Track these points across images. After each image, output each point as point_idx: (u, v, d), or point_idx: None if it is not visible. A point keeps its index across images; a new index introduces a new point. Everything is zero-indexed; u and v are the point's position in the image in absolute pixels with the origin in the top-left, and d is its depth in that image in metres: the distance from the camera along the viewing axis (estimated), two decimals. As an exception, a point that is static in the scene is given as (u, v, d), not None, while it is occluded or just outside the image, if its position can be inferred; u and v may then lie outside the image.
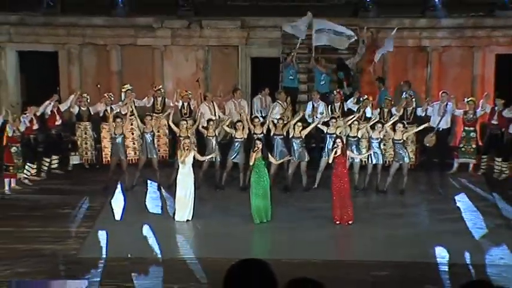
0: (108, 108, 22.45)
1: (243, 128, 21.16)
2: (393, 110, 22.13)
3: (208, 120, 21.70)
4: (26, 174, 21.87)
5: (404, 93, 23.18)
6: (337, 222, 19.33)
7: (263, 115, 22.81)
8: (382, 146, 21.32)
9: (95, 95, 23.38)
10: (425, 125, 21.93)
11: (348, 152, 20.13)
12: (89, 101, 23.01)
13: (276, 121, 21.41)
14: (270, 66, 25.06)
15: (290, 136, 21.05)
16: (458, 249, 18.14)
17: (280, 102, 22.77)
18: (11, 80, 26.47)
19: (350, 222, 19.32)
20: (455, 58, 25.99)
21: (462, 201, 20.97)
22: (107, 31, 26.25)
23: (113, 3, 26.31)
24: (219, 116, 22.34)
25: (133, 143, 22.57)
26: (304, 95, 24.44)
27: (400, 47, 25.72)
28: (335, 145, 19.55)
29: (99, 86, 23.95)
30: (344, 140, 20.23)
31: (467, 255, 17.93)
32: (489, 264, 17.55)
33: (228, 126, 21.52)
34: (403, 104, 22.39)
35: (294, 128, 21.00)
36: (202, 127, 21.62)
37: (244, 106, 23.09)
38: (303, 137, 21.06)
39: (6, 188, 21.12)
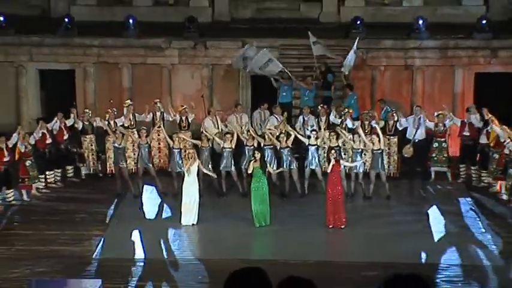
0: (112, 122, 22.42)
1: (232, 139, 21.18)
2: (372, 122, 22.06)
3: (201, 133, 21.69)
4: (42, 184, 21.82)
5: (384, 109, 23.19)
6: (330, 226, 19.30)
7: (262, 127, 22.79)
8: (363, 156, 21.27)
9: (105, 109, 23.29)
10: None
11: (342, 161, 20.15)
12: (90, 115, 22.95)
13: (271, 132, 21.41)
14: (269, 84, 25.02)
15: (278, 147, 21.04)
16: (440, 251, 18.14)
17: (276, 116, 22.77)
18: (31, 96, 26.43)
19: (342, 226, 19.30)
20: (437, 76, 25.95)
21: (442, 207, 20.87)
22: (119, 51, 26.23)
23: (125, 26, 26.29)
24: (221, 129, 22.30)
25: (134, 154, 22.48)
26: (298, 109, 24.40)
27: (387, 65, 25.79)
28: (330, 156, 19.62)
29: (111, 101, 23.92)
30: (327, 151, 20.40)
31: (449, 257, 17.91)
32: (469, 265, 17.55)
33: (217, 137, 21.55)
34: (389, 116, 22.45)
35: (279, 140, 21.01)
36: (197, 138, 21.64)
37: (245, 120, 23.09)
38: (290, 145, 21.03)
39: (25, 196, 21.09)
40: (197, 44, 26.00)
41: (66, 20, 26.45)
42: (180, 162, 21.02)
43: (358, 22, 26.31)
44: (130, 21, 26.36)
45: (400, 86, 25.97)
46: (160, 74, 26.21)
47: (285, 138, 20.96)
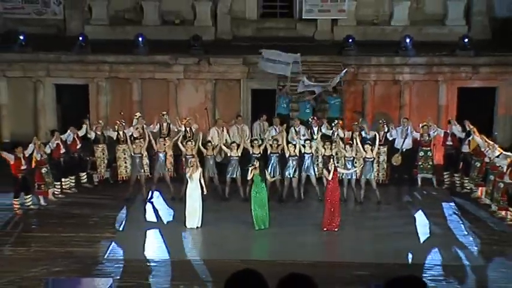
0: (121, 133, 22.40)
1: (238, 148, 21.14)
2: (363, 133, 22.06)
3: (207, 142, 21.67)
4: (58, 190, 21.80)
5: (360, 120, 23.18)
6: (325, 229, 19.27)
7: (262, 138, 22.73)
8: (356, 164, 21.25)
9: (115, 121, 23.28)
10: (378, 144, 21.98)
11: (338, 169, 20.11)
12: (103, 126, 22.95)
13: (271, 142, 21.39)
14: (268, 97, 25.04)
15: (287, 155, 21.01)
16: (426, 252, 18.11)
17: (275, 126, 22.76)
18: (48, 109, 26.43)
19: (336, 229, 19.25)
20: (423, 90, 25.95)
21: (429, 211, 20.86)
22: (130, 67, 26.23)
23: (135, 43, 26.33)
24: (226, 140, 22.26)
25: (144, 161, 22.41)
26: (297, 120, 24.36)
27: (377, 80, 25.81)
28: (329, 164, 19.56)
29: (122, 113, 23.94)
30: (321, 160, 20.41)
31: (435, 257, 17.89)
32: (451, 264, 17.53)
33: (226, 146, 21.52)
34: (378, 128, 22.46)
35: (288, 149, 21.01)
36: (203, 146, 21.61)
37: (246, 130, 23.09)
38: (297, 154, 21.02)
39: (42, 201, 21.06)
40: (201, 60, 26.02)
41: (81, 38, 26.50)
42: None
43: (350, 40, 26.37)
44: (140, 39, 26.42)
45: (389, 99, 25.97)
46: (167, 88, 26.21)
47: (293, 148, 20.96)
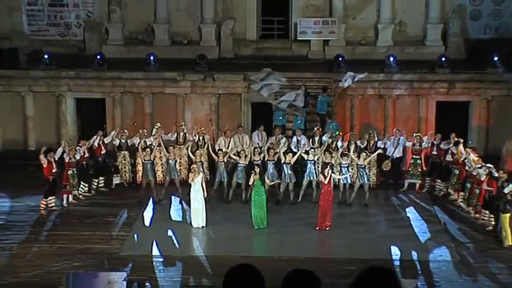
0: (142, 141, 22.45)
1: (245, 156, 21.23)
2: (358, 142, 22.14)
3: (219, 150, 21.74)
4: (80, 191, 21.85)
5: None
6: (317, 228, 19.30)
7: (260, 146, 22.76)
8: (349, 170, 21.29)
9: (131, 131, 23.32)
10: (380, 151, 22.04)
11: (333, 175, 20.13)
12: (127, 135, 23.00)
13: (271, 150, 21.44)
14: (266, 109, 25.09)
15: (282, 162, 21.07)
16: (408, 248, 18.13)
17: (275, 136, 22.76)
18: (69, 120, 26.44)
19: (327, 229, 19.29)
20: (405, 104, 25.97)
21: (411, 212, 20.90)
22: (142, 82, 26.26)
23: (147, 61, 26.37)
24: (231, 148, 22.24)
25: (162, 167, 22.49)
26: (290, 131, 24.35)
27: (364, 95, 25.84)
28: (326, 170, 19.59)
29: (135, 124, 23.98)
30: (320, 166, 20.39)
31: (414, 253, 17.94)
32: (432, 260, 17.60)
33: (233, 155, 21.57)
34: (365, 138, 22.46)
35: (285, 156, 21.06)
36: (214, 153, 21.67)
37: (246, 139, 23.10)
38: (292, 163, 21.10)
39: (64, 202, 21.05)
40: (206, 76, 26.03)
41: (98, 57, 26.55)
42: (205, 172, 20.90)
43: (340, 59, 26.40)
44: (151, 58, 26.44)
45: (375, 112, 26.00)
46: (176, 102, 26.23)
47: (290, 156, 21.00)
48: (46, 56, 26.37)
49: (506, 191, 18.38)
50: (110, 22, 29.19)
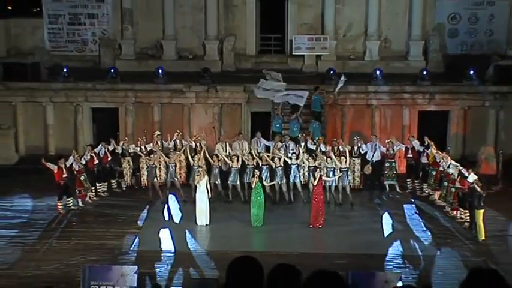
0: (143, 147, 22.44)
1: (237, 160, 21.18)
2: (340, 147, 22.06)
3: (214, 155, 21.70)
4: (93, 194, 21.87)
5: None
6: (311, 226, 19.32)
7: (259, 151, 22.73)
8: (335, 173, 21.26)
9: (148, 137, 23.33)
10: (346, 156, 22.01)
11: (323, 177, 20.16)
12: (145, 140, 22.92)
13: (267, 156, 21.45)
14: (264, 118, 25.11)
15: (273, 166, 21.04)
16: (392, 244, 18.17)
17: (274, 142, 22.70)
18: (86, 127, 26.42)
19: (320, 226, 19.32)
20: (391, 113, 25.99)
21: (394, 211, 20.91)
22: (152, 93, 26.26)
23: (156, 74, 26.37)
24: (229, 152, 22.29)
25: (160, 171, 22.39)
26: (285, 137, 24.25)
27: (353, 104, 25.85)
28: (316, 173, 19.65)
29: (145, 131, 23.96)
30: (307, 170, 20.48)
31: (399, 248, 17.95)
32: (414, 254, 17.61)
33: (228, 159, 21.54)
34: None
35: (274, 162, 21.03)
36: (210, 158, 21.66)
37: (246, 145, 23.08)
38: (279, 165, 21.07)
39: (80, 203, 21.12)
40: (210, 88, 26.03)
41: (112, 70, 26.54)
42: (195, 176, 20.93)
43: (332, 72, 26.37)
44: (160, 71, 26.41)
45: (362, 120, 25.98)
46: (182, 111, 26.22)
47: (278, 160, 21.01)
48: (65, 70, 26.36)
49: (470, 179, 18.48)
50: (122, 39, 29.21)
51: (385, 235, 18.88)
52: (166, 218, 20.19)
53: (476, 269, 4.74)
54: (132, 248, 17.88)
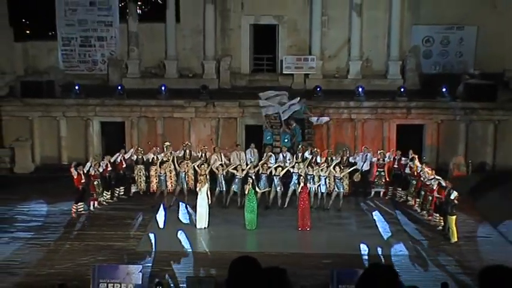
0: (155, 157, 22.46)
1: (242, 170, 21.22)
2: (333, 157, 22.14)
3: (219, 165, 21.68)
4: (104, 198, 21.88)
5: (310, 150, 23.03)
6: (300, 228, 19.35)
7: (252, 161, 22.75)
8: (327, 181, 21.35)
9: (146, 148, 23.35)
10: (356, 166, 22.17)
11: (308, 184, 20.23)
12: (142, 152, 23.02)
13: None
14: (257, 130, 25.11)
15: (272, 174, 21.07)
16: (374, 245, 18.22)
17: (265, 153, 22.77)
18: (95, 139, 26.35)
19: (308, 229, 19.34)
20: (371, 126, 26.03)
21: (376, 215, 20.97)
22: (155, 108, 26.26)
23: (159, 91, 26.38)
24: (224, 162, 22.24)
25: (171, 179, 22.40)
26: (277, 148, 24.34)
27: (337, 118, 25.88)
28: (300, 180, 19.72)
29: (149, 142, 24.01)
30: (304, 177, 20.48)
31: (379, 249, 18.02)
32: (393, 254, 17.67)
33: (232, 169, 21.55)
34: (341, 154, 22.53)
35: (276, 170, 21.12)
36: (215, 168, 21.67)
37: (243, 155, 23.09)
38: (281, 175, 21.13)
39: (91, 207, 21.10)
40: (208, 103, 26.05)
41: (119, 87, 26.55)
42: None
43: (318, 89, 26.38)
44: (163, 88, 26.41)
45: (346, 132, 26.04)
46: (183, 124, 26.21)
47: (280, 169, 21.08)
48: (77, 87, 26.37)
49: (452, 196, 18.61)
50: (129, 59, 29.24)
51: (369, 237, 18.86)
52: (170, 221, 20.14)
53: (373, 265, 4.69)
54: (137, 249, 17.84)
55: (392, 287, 4.42)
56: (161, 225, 19.86)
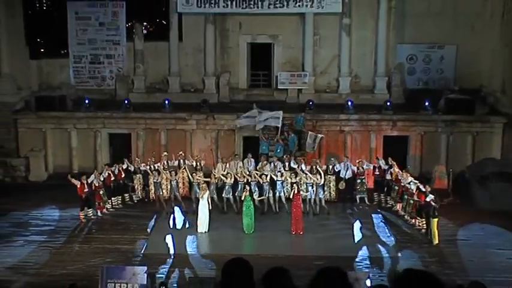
0: (152, 167, 22.43)
1: (231, 177, 21.18)
2: (318, 166, 22.12)
3: (211, 173, 21.67)
4: (110, 205, 21.88)
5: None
6: (293, 232, 19.39)
7: (249, 170, 22.77)
8: (313, 188, 21.35)
9: (149, 157, 23.43)
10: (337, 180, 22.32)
11: (301, 192, 20.22)
12: (138, 161, 23.00)
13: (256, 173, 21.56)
14: (253, 142, 25.17)
15: (261, 182, 21.11)
16: (362, 247, 18.21)
17: (261, 162, 22.82)
18: (103, 149, 26.42)
19: (301, 232, 19.37)
20: (360, 137, 26.12)
21: (363, 219, 21.01)
22: (159, 121, 26.31)
23: (163, 105, 26.44)
24: (226, 171, 22.24)
25: (167, 186, 22.38)
26: (272, 158, 24.39)
27: (328, 130, 25.93)
28: (293, 187, 19.76)
29: (154, 153, 24.06)
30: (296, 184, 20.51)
31: (367, 250, 17.99)
32: (379, 256, 17.68)
33: (223, 176, 21.58)
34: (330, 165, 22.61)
35: (262, 178, 21.15)
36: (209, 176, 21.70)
37: (240, 164, 23.10)
38: (265, 181, 21.09)
39: (99, 214, 21.13)
40: (208, 116, 26.12)
41: (126, 101, 26.62)
42: (197, 190, 20.91)
43: (311, 103, 26.48)
44: (166, 102, 26.47)
45: (336, 143, 26.11)
46: (185, 136, 26.28)
47: (265, 177, 21.12)
48: (87, 101, 26.46)
49: (428, 199, 18.71)
50: (135, 75, 29.29)
51: (356, 240, 18.94)
52: (171, 226, 20.19)
53: (323, 269, 4.65)
54: (142, 252, 17.87)
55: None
56: (165, 229, 19.85)
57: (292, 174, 21.48)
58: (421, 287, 4.16)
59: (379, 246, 18.49)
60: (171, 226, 20.13)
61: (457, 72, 28.80)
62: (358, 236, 19.36)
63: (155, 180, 21.63)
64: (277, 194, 21.24)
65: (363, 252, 17.94)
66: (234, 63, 29.64)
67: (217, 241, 18.99)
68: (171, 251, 17.99)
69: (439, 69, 29.14)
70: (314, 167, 21.91)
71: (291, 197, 19.92)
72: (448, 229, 19.77)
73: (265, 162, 22.56)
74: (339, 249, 18.03)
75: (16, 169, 25.82)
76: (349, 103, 26.28)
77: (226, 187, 21.14)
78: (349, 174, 22.60)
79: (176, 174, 21.81)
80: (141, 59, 29.27)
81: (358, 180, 22.53)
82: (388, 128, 26.00)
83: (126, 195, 22.65)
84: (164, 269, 16.55)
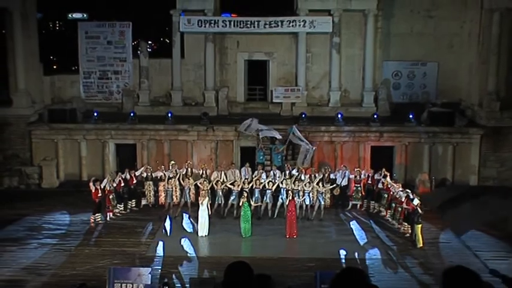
0: (163, 174, 22.51)
1: (238, 185, 21.31)
2: (316, 175, 22.26)
3: (217, 181, 21.86)
4: (118, 210, 21.88)
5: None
6: (288, 236, 19.40)
7: (247, 177, 22.78)
8: (311, 195, 21.42)
9: (154, 166, 23.46)
10: (333, 185, 22.31)
11: (296, 198, 20.27)
12: (151, 169, 23.08)
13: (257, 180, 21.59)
14: (250, 151, 25.22)
15: (265, 188, 21.09)
16: (351, 250, 18.27)
17: (257, 171, 22.88)
18: (111, 159, 26.37)
19: (295, 236, 19.39)
20: (349, 147, 26.14)
21: (354, 224, 21.02)
22: (162, 132, 26.30)
23: (166, 117, 26.41)
24: (223, 179, 22.32)
25: (176, 193, 22.42)
26: (268, 167, 24.45)
27: (320, 141, 25.97)
28: (289, 194, 19.82)
29: (157, 161, 24.08)
30: (292, 191, 20.55)
31: (356, 253, 18.07)
32: (368, 258, 17.74)
33: (230, 184, 21.66)
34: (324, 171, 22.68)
35: (268, 184, 21.21)
36: (215, 183, 21.73)
37: (237, 173, 23.18)
38: (273, 189, 21.23)
39: (108, 217, 21.12)
40: (208, 128, 26.11)
41: (132, 114, 26.59)
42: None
43: (304, 115, 26.48)
44: (169, 114, 26.46)
45: (328, 153, 26.13)
46: (186, 146, 26.25)
47: (271, 184, 21.20)
48: (95, 114, 26.47)
49: (414, 203, 18.78)
50: (140, 90, 29.34)
51: (348, 243, 18.91)
52: (175, 230, 20.14)
53: (346, 268, 4.63)
54: (147, 254, 17.85)
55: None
56: (168, 233, 19.86)
57: (295, 183, 21.39)
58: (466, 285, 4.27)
59: (368, 248, 18.49)
60: (169, 233, 19.88)
61: (438, 87, 28.97)
62: (350, 239, 19.36)
63: (167, 188, 21.62)
64: (280, 200, 21.20)
65: (353, 254, 17.95)
66: (232, 78, 29.72)
67: (216, 244, 18.97)
68: (174, 253, 17.92)
69: (422, 85, 29.31)
70: (313, 175, 22.00)
71: (286, 203, 19.95)
72: (431, 233, 19.83)
73: (261, 171, 22.61)
74: (331, 252, 18.03)
75: (30, 177, 25.84)
76: (339, 116, 26.34)
77: (233, 194, 21.18)
78: (345, 182, 22.66)
79: (182, 180, 21.80)
80: (146, 75, 29.35)
81: (354, 188, 22.59)
82: (375, 139, 26.04)
83: (133, 201, 22.63)
84: (167, 270, 16.52)
